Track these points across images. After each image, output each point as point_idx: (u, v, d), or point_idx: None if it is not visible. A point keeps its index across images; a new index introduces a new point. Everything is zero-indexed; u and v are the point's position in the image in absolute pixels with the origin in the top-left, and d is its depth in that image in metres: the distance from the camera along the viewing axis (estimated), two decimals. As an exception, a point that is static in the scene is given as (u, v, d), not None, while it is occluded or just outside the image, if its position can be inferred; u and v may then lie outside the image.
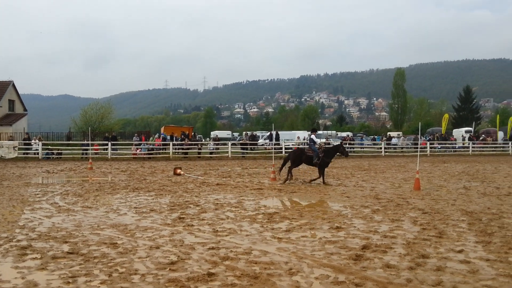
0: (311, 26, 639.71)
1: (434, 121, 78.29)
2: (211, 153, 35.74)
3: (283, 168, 17.14)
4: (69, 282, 5.46)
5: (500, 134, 47.61)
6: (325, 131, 67.80)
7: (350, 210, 10.54)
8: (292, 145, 40.17)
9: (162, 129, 47.85)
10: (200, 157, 34.10)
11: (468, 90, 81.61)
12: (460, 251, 6.81)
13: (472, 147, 41.81)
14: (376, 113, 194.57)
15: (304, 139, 43.01)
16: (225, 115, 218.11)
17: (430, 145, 40.54)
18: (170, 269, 5.96)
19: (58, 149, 33.30)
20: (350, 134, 61.01)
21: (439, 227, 8.51)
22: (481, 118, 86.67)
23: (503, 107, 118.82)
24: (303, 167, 18.55)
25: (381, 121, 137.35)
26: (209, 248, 6.99)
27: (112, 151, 32.76)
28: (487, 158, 35.21)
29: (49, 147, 33.47)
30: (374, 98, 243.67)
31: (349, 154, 17.53)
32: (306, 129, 77.44)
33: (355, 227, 8.63)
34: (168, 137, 36.77)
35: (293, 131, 60.91)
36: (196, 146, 36.55)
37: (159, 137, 37.65)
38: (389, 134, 58.20)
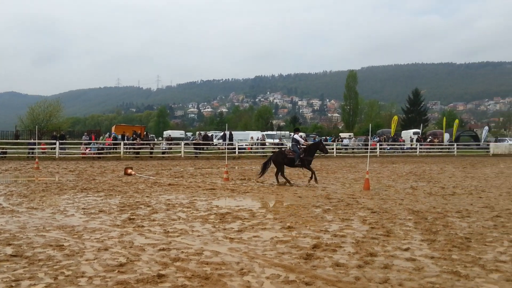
0: (266, 27, 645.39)
1: (384, 122, 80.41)
2: (163, 153, 35.31)
3: (264, 173, 16.69)
4: (11, 286, 5.23)
5: (446, 136, 49.50)
6: (279, 132, 68.31)
7: (301, 210, 10.65)
8: (245, 145, 40.29)
9: (113, 128, 46.89)
10: (152, 157, 33.59)
11: (417, 93, 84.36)
12: (406, 249, 7.00)
13: (420, 148, 43.26)
14: (329, 114, 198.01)
15: (257, 139, 43.23)
16: (178, 115, 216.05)
17: (380, 146, 41.64)
18: (118, 271, 5.82)
19: (3, 148, 31.92)
20: (303, 134, 61.65)
21: (387, 226, 8.73)
22: (428, 120, 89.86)
23: (449, 109, 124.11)
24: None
25: (333, 122, 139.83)
26: (159, 249, 6.88)
27: (60, 151, 31.72)
28: (434, 159, 36.53)
29: (-6, 146, 32.04)
30: (327, 100, 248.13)
31: (328, 151, 17.50)
32: (260, 129, 77.99)
33: (306, 226, 8.72)
34: (119, 137, 36.01)
35: (247, 131, 61.08)
36: (148, 146, 36.00)
37: (109, 136, 36.80)
38: (340, 135, 59.30)
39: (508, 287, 5.34)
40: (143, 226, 8.62)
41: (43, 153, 31.75)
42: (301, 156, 15.96)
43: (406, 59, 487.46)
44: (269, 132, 58.23)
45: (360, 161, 30.84)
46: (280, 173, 16.32)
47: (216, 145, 41.09)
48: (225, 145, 33.40)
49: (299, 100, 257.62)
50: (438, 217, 9.73)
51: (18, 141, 36.13)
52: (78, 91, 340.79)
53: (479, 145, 48.73)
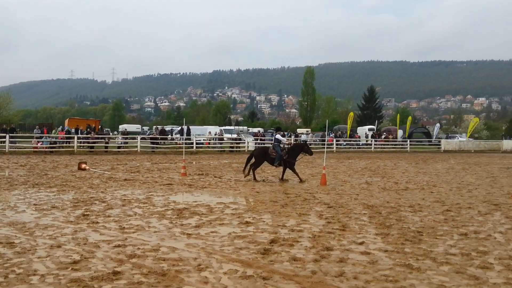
0: (225, 21, 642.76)
1: (340, 119, 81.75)
2: (119, 147, 34.67)
3: (248, 166, 16.42)
4: (-44, 287, 5.00)
5: (400, 132, 50.90)
6: (237, 127, 68.32)
7: (259, 205, 10.69)
8: (203, 140, 40.08)
9: (66, 122, 45.61)
10: (107, 152, 32.89)
11: (372, 90, 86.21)
12: (361, 243, 7.15)
13: (374, 144, 44.29)
14: (287, 110, 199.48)
15: (215, 134, 43.07)
16: (134, 108, 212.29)
17: (336, 142, 42.34)
18: (72, 268, 5.67)
19: None
20: (261, 130, 61.95)
21: (343, 221, 8.89)
22: (383, 117, 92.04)
23: (403, 107, 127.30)
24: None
25: (291, 117, 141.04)
26: (115, 246, 6.75)
27: (10, 144, 30.54)
28: (388, 155, 37.49)
29: None
30: (285, 95, 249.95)
31: (312, 153, 16.64)
32: (218, 124, 77.74)
33: (264, 221, 8.76)
34: (73, 130, 35.05)
35: (205, 126, 60.82)
36: (103, 140, 35.23)
37: (62, 130, 35.75)
38: (297, 131, 59.91)
39: (458, 279, 5.53)
40: (97, 223, 8.42)
41: (-9, 147, 30.49)
42: (284, 157, 15.69)
43: (361, 57, 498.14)
44: (227, 127, 58.17)
45: (317, 157, 31.22)
46: (253, 168, 16.15)
47: (173, 139, 40.68)
48: (183, 139, 33.08)
49: (257, 95, 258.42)
50: (392, 212, 9.98)
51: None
52: (30, 83, 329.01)
53: (431, 141, 50.37)
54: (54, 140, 33.11)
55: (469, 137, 51.52)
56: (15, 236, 7.29)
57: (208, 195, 12.51)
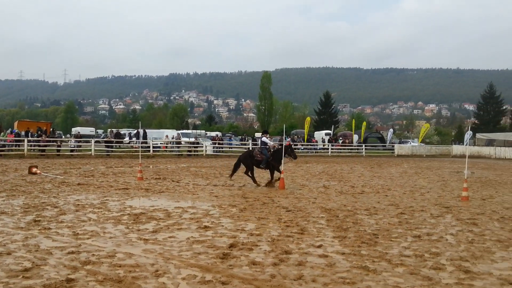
0: (181, 24, 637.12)
1: (298, 123, 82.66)
2: (72, 150, 33.73)
3: (234, 174, 16.41)
4: None
5: (355, 137, 51.97)
6: (195, 130, 67.89)
7: (218, 210, 10.63)
8: (160, 143, 39.58)
9: (15, 124, 44.01)
10: (59, 155, 31.95)
11: (328, 95, 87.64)
12: (319, 246, 7.23)
13: (331, 149, 45.00)
14: (245, 114, 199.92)
15: (172, 138, 42.62)
16: (88, 111, 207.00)
17: (294, 146, 42.69)
18: (23, 276, 5.45)
19: None
20: (219, 134, 61.80)
21: (301, 224, 8.96)
22: (339, 122, 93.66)
23: (358, 112, 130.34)
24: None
25: (249, 122, 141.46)
26: (68, 253, 6.54)
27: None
28: (344, 159, 38.17)
29: None
30: (243, 99, 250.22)
31: (297, 156, 16.30)
32: (175, 127, 76.94)
33: (223, 226, 8.71)
34: (23, 133, 33.84)
35: (161, 130, 60.06)
36: (55, 143, 34.21)
37: (11, 132, 34.45)
38: (255, 135, 60.08)
39: (412, 280, 5.68)
40: (50, 228, 8.14)
41: None
42: (269, 159, 15.52)
43: (317, 63, 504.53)
44: (184, 131, 57.68)
45: (274, 161, 31.43)
46: (246, 172, 16.03)
47: (129, 143, 39.96)
48: (139, 143, 32.55)
49: (215, 99, 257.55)
50: (349, 215, 10.15)
51: None
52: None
53: (385, 146, 51.66)
54: (3, 143, 31.86)
55: (420, 142, 53.19)
56: (-39, 243, 6.95)
57: (165, 199, 12.33)
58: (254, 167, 16.11)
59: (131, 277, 5.53)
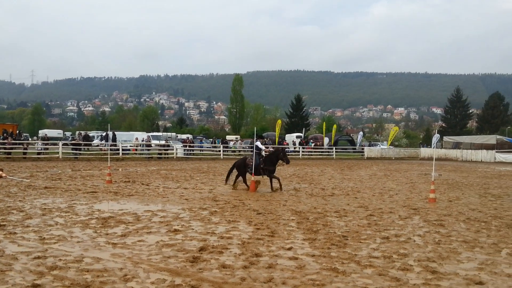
0: (152, 26, 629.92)
1: (269, 126, 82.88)
2: (38, 153, 32.97)
3: (230, 176, 16.11)
4: None
5: (326, 140, 52.45)
6: (165, 133, 67.31)
7: (188, 213, 10.56)
8: (130, 146, 39.09)
9: (-20, 126, 42.72)
10: (25, 158, 31.18)
11: (299, 98, 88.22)
12: (289, 249, 7.25)
13: (302, 151, 45.29)
14: (216, 117, 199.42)
15: (142, 140, 42.16)
16: (56, 113, 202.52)
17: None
18: (-15, 283, 5.29)
19: None
20: (190, 136, 61.43)
21: (272, 227, 8.98)
22: (310, 124, 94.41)
23: (328, 115, 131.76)
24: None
25: (220, 124, 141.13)
26: (34, 258, 6.38)
27: None
28: (315, 162, 38.47)
29: None
30: (214, 102, 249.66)
31: (289, 161, 15.67)
32: (145, 130, 76.16)
33: (193, 229, 8.65)
34: (-12, 135, 32.93)
35: (131, 132, 59.38)
36: (21, 146, 33.38)
37: (-24, 134, 33.49)
38: (227, 138, 60.05)
39: (380, 281, 5.75)
40: (15, 233, 7.93)
41: None
42: (261, 166, 15.15)
43: (288, 66, 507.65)
44: (155, 133, 57.15)
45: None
46: (243, 178, 15.80)
47: (97, 145, 39.31)
48: (108, 146, 32.07)
49: (186, 102, 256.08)
50: (319, 217, 10.23)
51: None
52: None
53: (355, 149, 52.30)
54: (-34, 145, 30.92)
55: (390, 145, 54.12)
56: None
57: (135, 203, 12.17)
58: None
59: (99, 282, 5.44)
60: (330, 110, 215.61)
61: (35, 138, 54.90)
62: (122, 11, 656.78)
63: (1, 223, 8.73)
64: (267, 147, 16.54)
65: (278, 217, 10.16)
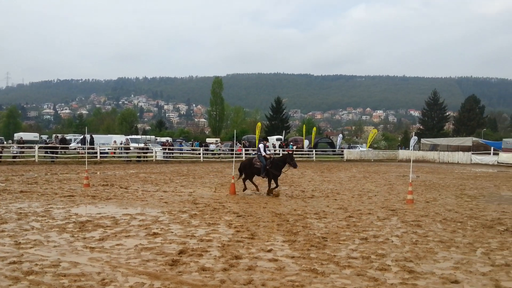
0: (130, 28, 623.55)
1: (249, 128, 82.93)
2: (14, 157, 32.34)
3: (240, 178, 15.84)
4: None
5: (306, 142, 52.66)
6: (144, 136, 66.78)
7: (167, 216, 10.49)
8: (108, 149, 38.67)
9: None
10: (0, 162, 30.56)
11: (279, 101, 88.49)
12: (269, 251, 7.27)
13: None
14: (196, 119, 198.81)
15: (121, 143, 41.78)
16: (32, 116, 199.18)
17: (245, 151, 42.83)
18: (-42, 290, 5.17)
19: None
20: (169, 139, 61.06)
21: (252, 229, 8.98)
22: (290, 127, 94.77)
23: (308, 118, 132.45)
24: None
25: (200, 127, 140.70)
26: (9, 263, 6.27)
27: None
28: (293, 164, 38.48)
29: None
30: (194, 105, 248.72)
31: (297, 165, 15.15)
32: (123, 133, 75.44)
33: (172, 232, 8.60)
34: (-38, 139, 32.23)
35: (109, 135, 58.74)
36: (-4, 149, 32.70)
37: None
38: (207, 140, 59.89)
39: (359, 281, 5.81)
40: (-11, 238, 7.77)
41: None
42: (267, 167, 14.85)
43: (268, 69, 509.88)
44: (133, 136, 56.62)
45: (227, 166, 31.42)
46: (248, 179, 15.54)
47: (75, 149, 38.79)
48: (85, 149, 31.67)
49: (165, 104, 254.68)
50: (299, 219, 10.27)
51: None
52: None
53: (334, 151, 52.63)
54: None
55: (369, 147, 54.60)
56: None
57: (113, 206, 12.04)
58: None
59: (76, 286, 5.38)
60: (310, 113, 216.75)
61: (10, 141, 53.94)
62: (101, 11, 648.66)
63: (-25, 228, 8.55)
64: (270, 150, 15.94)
65: (258, 219, 10.17)
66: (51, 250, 7.07)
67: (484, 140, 52.67)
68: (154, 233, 8.45)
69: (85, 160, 21.64)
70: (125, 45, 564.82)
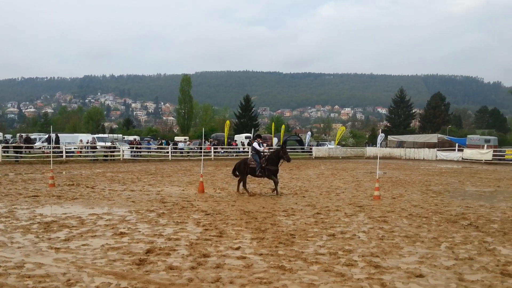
0: (97, 25, 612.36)
1: (218, 127, 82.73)
2: (-24, 157, 31.34)
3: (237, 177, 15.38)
4: None
5: (275, 140, 52.85)
6: (111, 134, 65.76)
7: (135, 215, 10.38)
8: (74, 148, 37.92)
9: None
10: (-38, 162, 29.59)
11: (248, 99, 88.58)
12: (237, 248, 7.29)
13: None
14: (164, 118, 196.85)
15: (87, 142, 41.05)
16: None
17: (214, 150, 42.72)
18: None
19: None
20: (137, 138, 60.31)
21: (220, 227, 8.98)
22: (259, 125, 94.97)
23: (277, 115, 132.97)
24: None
25: (168, 125, 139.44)
26: (-30, 266, 6.09)
27: None
28: (263, 162, 38.60)
29: None
30: (162, 103, 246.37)
31: (290, 159, 14.82)
32: (90, 132, 74.10)
33: (139, 231, 8.52)
34: None
35: (75, 134, 57.63)
36: (-43, 149, 31.62)
37: None
38: (175, 139, 59.42)
39: (326, 276, 5.89)
40: (-51, 241, 7.53)
41: None
42: (263, 165, 14.55)
43: (237, 66, 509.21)
44: (100, 135, 55.69)
45: (195, 164, 31.25)
46: (242, 182, 15.05)
47: (40, 148, 37.88)
48: (50, 148, 30.98)
49: (133, 103, 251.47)
50: (267, 217, 10.32)
51: None
52: None
53: (303, 148, 52.98)
54: None
55: (337, 145, 55.24)
56: None
57: (79, 206, 11.82)
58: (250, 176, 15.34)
59: (40, 287, 5.28)
60: (279, 111, 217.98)
61: (-29, 141, 52.20)
62: (67, 9, 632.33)
63: None
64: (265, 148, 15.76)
65: (226, 217, 10.17)
66: (15, 252, 6.92)
67: (449, 137, 54.04)
68: (121, 233, 8.35)
69: (50, 160, 21.16)
70: (92, 43, 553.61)
